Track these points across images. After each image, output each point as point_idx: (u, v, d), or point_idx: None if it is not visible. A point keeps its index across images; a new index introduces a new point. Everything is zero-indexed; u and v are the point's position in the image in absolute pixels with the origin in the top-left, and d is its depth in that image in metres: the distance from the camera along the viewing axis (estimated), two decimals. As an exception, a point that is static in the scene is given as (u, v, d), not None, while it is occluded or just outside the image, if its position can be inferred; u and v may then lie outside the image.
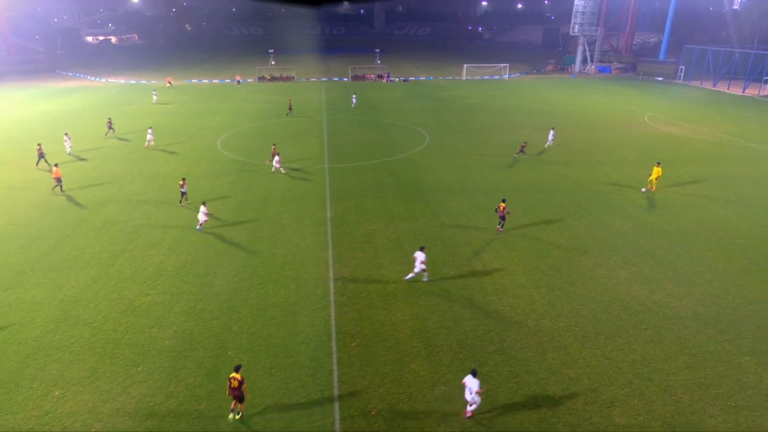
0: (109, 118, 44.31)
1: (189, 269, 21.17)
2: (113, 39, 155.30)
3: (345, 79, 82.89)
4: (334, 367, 15.43)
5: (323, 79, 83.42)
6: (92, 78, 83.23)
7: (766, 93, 68.90)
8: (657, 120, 51.40)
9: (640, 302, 18.86)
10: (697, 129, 47.23)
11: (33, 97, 64.69)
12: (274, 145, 36.38)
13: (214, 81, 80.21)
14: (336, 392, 14.45)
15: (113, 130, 43.23)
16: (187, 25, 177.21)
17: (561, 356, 15.92)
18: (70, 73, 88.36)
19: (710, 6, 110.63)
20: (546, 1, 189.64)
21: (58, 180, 29.40)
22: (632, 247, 23.29)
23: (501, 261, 21.95)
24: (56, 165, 30.02)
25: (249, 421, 13.44)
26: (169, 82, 73.30)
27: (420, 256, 19.59)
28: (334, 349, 16.27)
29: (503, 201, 24.77)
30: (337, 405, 13.98)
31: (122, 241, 23.75)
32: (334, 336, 16.89)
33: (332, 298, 19.06)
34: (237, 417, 13.44)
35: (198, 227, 24.76)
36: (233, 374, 13.28)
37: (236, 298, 19.07)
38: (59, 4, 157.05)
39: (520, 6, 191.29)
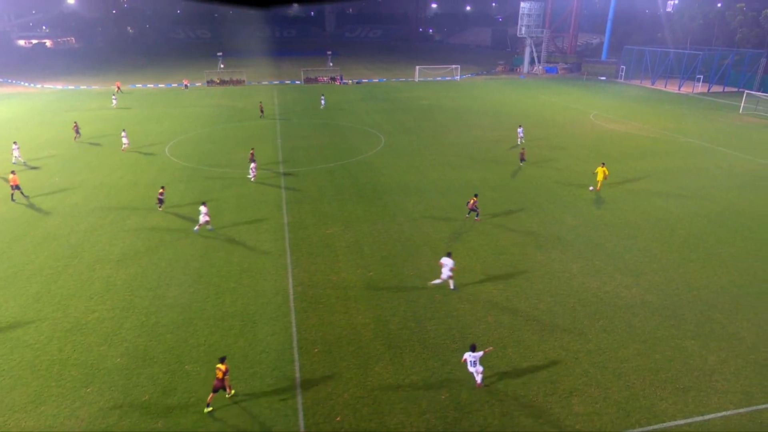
0: (75, 122, 43.48)
1: (140, 282, 20.35)
2: (48, 42, 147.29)
3: (297, 82, 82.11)
4: (297, 375, 15.23)
5: (275, 82, 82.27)
6: (26, 84, 78.58)
7: (699, 90, 73.46)
8: (601, 118, 53.77)
9: (592, 294, 19.65)
10: (638, 126, 49.73)
11: (-41, 104, 60.44)
12: (252, 149, 35.47)
13: (160, 85, 77.50)
14: (300, 401, 14.26)
15: (79, 134, 42.60)
16: (129, 28, 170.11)
17: (521, 350, 16.36)
18: (0, 79, 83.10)
19: (646, 9, 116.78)
20: (494, 4, 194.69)
21: (17, 187, 28.69)
22: (584, 241, 24.24)
23: (459, 260, 22.28)
24: (12, 172, 29.29)
25: (210, 436, 13.06)
26: (118, 87, 70.46)
27: (448, 262, 19.36)
28: (296, 356, 16.06)
29: (475, 195, 26.57)
30: (301, 414, 13.80)
31: (65, 256, 22.54)
32: (295, 343, 16.67)
33: (292, 305, 18.81)
34: (209, 409, 13.87)
35: (207, 228, 24.68)
36: (218, 365, 13.84)
37: (192, 309, 18.48)
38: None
39: (468, 8, 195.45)
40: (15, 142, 36.71)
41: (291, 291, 19.74)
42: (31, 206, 28.20)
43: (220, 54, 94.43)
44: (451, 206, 28.32)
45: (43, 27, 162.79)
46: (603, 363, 15.78)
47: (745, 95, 60.86)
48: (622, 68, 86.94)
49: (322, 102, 59.79)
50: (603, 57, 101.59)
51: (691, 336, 17.10)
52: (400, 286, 20.07)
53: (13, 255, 22.51)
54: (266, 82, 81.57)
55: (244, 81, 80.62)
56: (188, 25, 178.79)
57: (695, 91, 73.30)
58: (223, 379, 13.84)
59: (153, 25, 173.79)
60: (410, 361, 15.82)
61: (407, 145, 42.14)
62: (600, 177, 30.47)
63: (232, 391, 14.37)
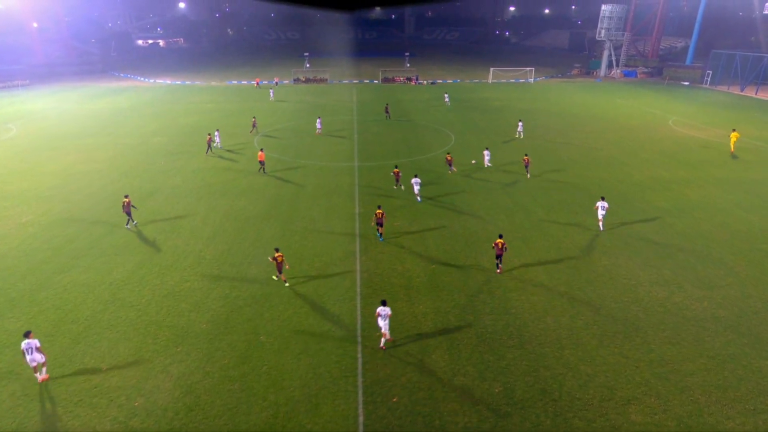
0: (254, 117, 46.47)
1: (226, 258, 21.59)
2: (161, 42, 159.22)
3: (375, 82, 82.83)
4: (359, 355, 15.50)
5: (354, 81, 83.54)
6: (142, 79, 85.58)
7: (795, 98, 65.54)
8: (681, 124, 49.59)
9: (659, 303, 18.28)
10: (722, 133, 45.29)
11: (89, 96, 67.09)
12: (449, 153, 34.26)
13: (253, 82, 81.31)
14: (360, 378, 14.52)
15: (256, 128, 45.08)
16: (228, 30, 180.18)
17: (578, 353, 15.59)
18: (122, 74, 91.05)
19: (740, 11, 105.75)
20: (573, 7, 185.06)
21: (262, 163, 32.86)
22: (653, 248, 22.57)
23: (522, 258, 21.62)
24: (261, 150, 34.28)
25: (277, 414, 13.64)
26: (257, 83, 76.04)
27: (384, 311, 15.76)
28: (359, 338, 16.34)
29: (500, 237, 20.30)
30: (360, 391, 14.05)
31: (165, 230, 24.41)
32: (359, 325, 16.97)
33: (358, 290, 19.13)
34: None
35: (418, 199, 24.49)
36: (276, 254, 18.88)
37: (269, 286, 19.36)
38: (113, 10, 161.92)
39: (547, 11, 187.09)
40: (217, 130, 40.50)
41: (358, 277, 20.07)
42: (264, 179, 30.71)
43: (306, 54, 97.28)
44: (516, 205, 27.45)
45: (158, 29, 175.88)
46: (665, 375, 14.67)
47: None
48: (708, 73, 79.51)
49: (446, 99, 60.42)
50: (687, 61, 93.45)
51: (767, 356, 15.45)
52: (461, 280, 19.78)
53: (123, 231, 24.71)
54: (347, 81, 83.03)
55: (326, 79, 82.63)
56: (279, 27, 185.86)
57: (790, 98, 65.52)
58: (282, 263, 18.43)
59: (249, 28, 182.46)
60: (467, 353, 15.59)
61: (476, 144, 41.20)
62: (732, 140, 34.02)
63: (287, 283, 19.05)
